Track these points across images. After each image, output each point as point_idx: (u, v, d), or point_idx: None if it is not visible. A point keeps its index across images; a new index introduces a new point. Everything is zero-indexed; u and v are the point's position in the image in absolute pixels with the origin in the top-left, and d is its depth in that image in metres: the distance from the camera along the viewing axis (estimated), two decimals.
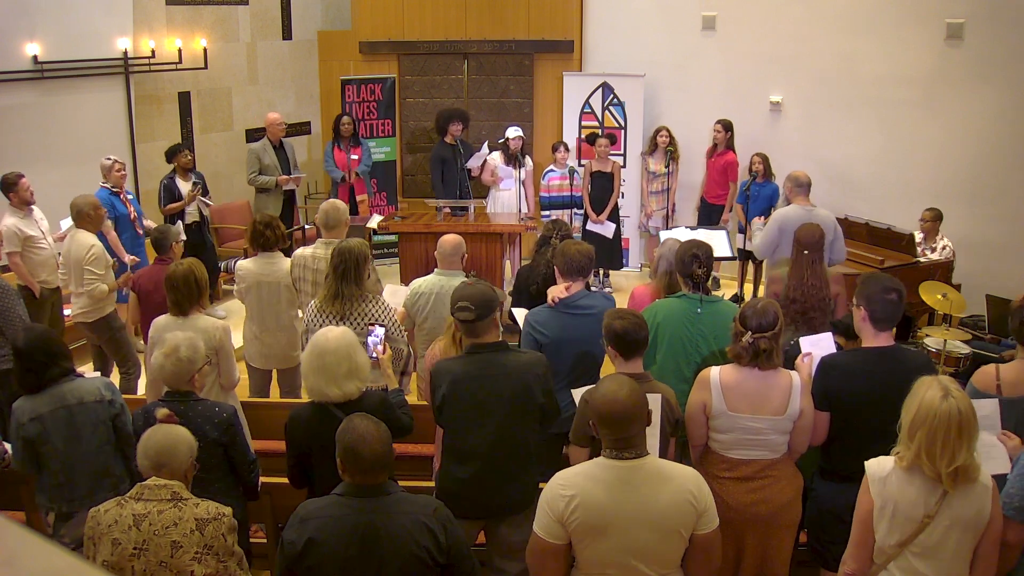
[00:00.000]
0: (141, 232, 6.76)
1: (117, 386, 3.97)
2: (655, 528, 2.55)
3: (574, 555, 2.66)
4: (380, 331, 3.93)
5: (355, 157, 8.55)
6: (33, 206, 5.96)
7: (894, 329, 3.36)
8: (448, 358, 3.61)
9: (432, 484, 3.65)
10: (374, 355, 3.85)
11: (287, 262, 5.11)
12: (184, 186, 7.37)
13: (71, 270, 5.55)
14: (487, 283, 3.57)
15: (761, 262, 7.46)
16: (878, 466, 2.66)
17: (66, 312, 6.44)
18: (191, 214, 7.45)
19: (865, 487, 2.67)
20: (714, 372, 3.27)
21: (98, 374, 4.67)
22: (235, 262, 5.77)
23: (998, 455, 3.04)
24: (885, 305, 3.28)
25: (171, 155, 7.43)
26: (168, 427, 2.90)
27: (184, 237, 5.37)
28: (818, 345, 3.78)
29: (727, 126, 8.22)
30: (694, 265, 3.92)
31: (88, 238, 5.51)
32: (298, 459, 3.28)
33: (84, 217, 5.55)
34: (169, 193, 7.32)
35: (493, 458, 3.29)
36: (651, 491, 2.55)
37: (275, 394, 5.49)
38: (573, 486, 2.58)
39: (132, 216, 6.71)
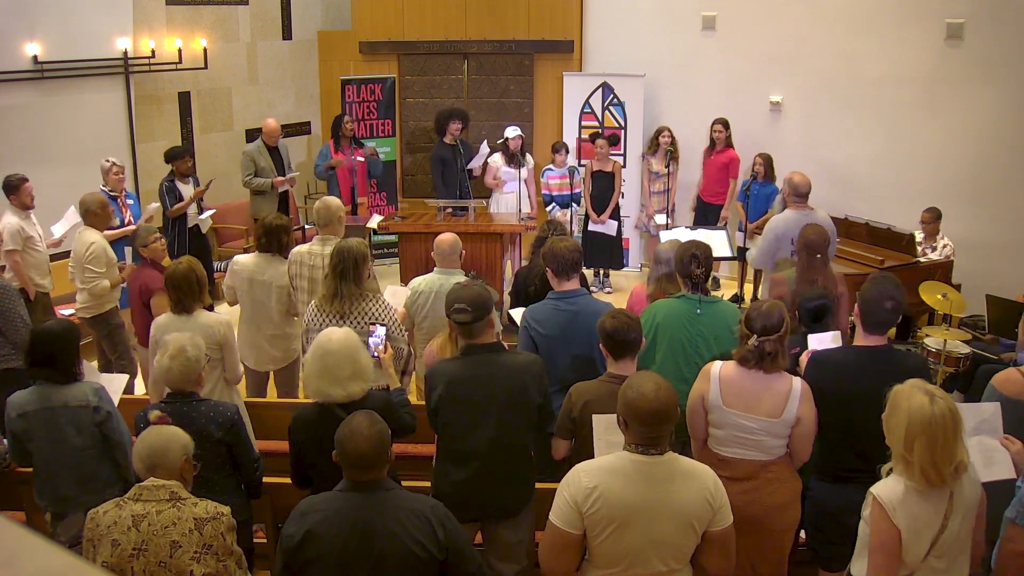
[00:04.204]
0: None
1: (111, 391, 3.97)
2: (673, 520, 2.57)
3: (587, 548, 2.67)
4: (381, 331, 3.94)
5: (360, 159, 8.43)
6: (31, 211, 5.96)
7: (888, 333, 3.36)
8: (444, 360, 3.61)
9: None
10: (376, 355, 3.86)
11: (284, 264, 5.09)
12: (185, 188, 7.32)
13: (76, 267, 5.61)
14: (482, 284, 3.57)
15: None
16: (890, 492, 2.55)
17: (64, 312, 6.43)
18: (192, 217, 7.38)
19: (883, 516, 2.54)
20: (716, 366, 3.27)
21: (95, 367, 4.64)
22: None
23: (1001, 459, 3.03)
24: (878, 312, 3.29)
25: (172, 158, 7.31)
26: (160, 428, 2.90)
27: (158, 235, 5.37)
28: (824, 343, 3.77)
29: (726, 124, 8.22)
30: (693, 265, 3.91)
31: (90, 235, 5.54)
32: (301, 459, 3.27)
33: (92, 215, 5.59)
34: (173, 196, 7.23)
35: (490, 459, 3.28)
36: (673, 485, 2.58)
37: (272, 394, 5.48)
38: (596, 478, 2.59)
39: (127, 221, 6.69)
